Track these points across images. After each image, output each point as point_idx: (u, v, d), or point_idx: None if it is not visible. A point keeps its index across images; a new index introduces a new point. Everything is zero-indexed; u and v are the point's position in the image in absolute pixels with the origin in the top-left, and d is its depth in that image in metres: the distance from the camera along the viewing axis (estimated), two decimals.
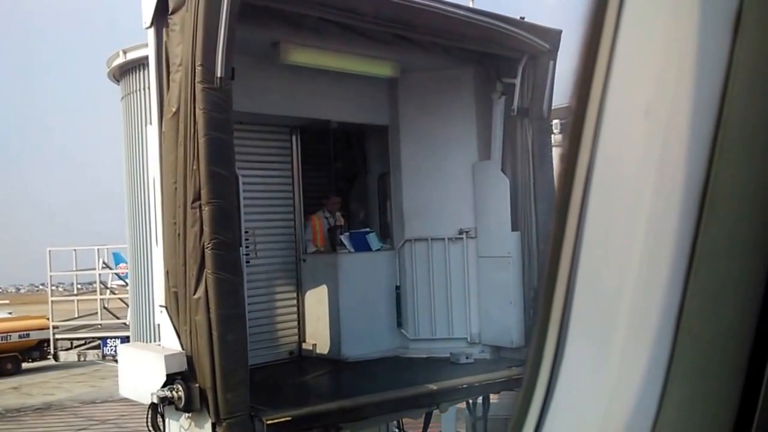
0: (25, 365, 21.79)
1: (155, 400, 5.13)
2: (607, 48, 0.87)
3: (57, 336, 12.76)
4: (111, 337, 11.81)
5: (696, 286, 0.79)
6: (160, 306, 5.68)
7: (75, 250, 14.34)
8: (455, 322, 8.74)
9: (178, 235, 5.34)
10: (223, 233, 5.14)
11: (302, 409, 5.52)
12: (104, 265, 14.16)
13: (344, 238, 8.82)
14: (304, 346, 8.57)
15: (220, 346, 5.03)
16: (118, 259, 18.81)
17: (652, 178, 0.83)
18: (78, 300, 14.57)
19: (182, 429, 5.36)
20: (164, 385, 5.20)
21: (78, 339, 12.68)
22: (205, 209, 5.09)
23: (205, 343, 5.05)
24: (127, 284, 15.38)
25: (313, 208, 9.19)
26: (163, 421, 5.58)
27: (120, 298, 14.81)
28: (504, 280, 8.27)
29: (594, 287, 0.91)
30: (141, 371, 5.51)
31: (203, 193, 5.11)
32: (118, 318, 13.82)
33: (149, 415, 5.48)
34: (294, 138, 8.98)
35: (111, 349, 11.81)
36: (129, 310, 9.43)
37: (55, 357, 12.45)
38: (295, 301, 8.80)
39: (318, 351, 8.50)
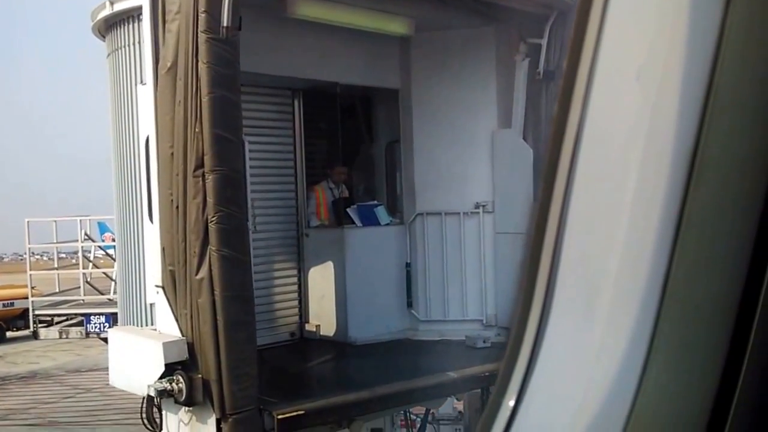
0: (9, 334, 21.64)
1: (152, 393, 4.67)
2: (599, 10, 0.88)
3: (36, 312, 12.25)
4: (95, 314, 11.31)
5: (683, 252, 0.80)
6: (156, 286, 5.19)
7: (55, 221, 13.73)
8: (470, 303, 8.33)
9: (177, 207, 4.84)
10: (229, 205, 4.63)
11: (316, 401, 5.09)
12: (86, 237, 13.57)
13: (351, 212, 8.35)
14: (306, 327, 8.13)
15: (226, 333, 4.57)
16: (103, 229, 18.14)
17: (641, 142, 0.83)
18: (59, 273, 14.05)
19: (182, 423, 4.92)
20: (162, 376, 4.74)
21: (59, 315, 12.18)
22: (209, 178, 4.58)
23: (209, 330, 4.58)
24: (110, 256, 14.86)
25: (316, 178, 8.69)
26: (160, 415, 5.12)
27: (104, 272, 14.28)
28: None
29: (580, 252, 0.91)
30: (136, 360, 5.03)
31: (207, 159, 4.59)
32: (102, 293, 13.32)
33: (144, 408, 5.02)
34: (296, 101, 8.43)
35: (95, 327, 11.32)
36: (116, 287, 8.93)
37: (35, 334, 11.95)
38: (296, 279, 8.35)
39: (322, 333, 8.08)
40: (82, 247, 13.12)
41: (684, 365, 0.81)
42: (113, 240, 13.08)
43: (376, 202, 8.74)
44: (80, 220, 13.26)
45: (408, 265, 8.48)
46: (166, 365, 4.72)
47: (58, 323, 12.12)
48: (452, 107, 8.28)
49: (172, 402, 4.81)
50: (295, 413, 4.84)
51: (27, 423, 12.91)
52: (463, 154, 8.28)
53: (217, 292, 4.57)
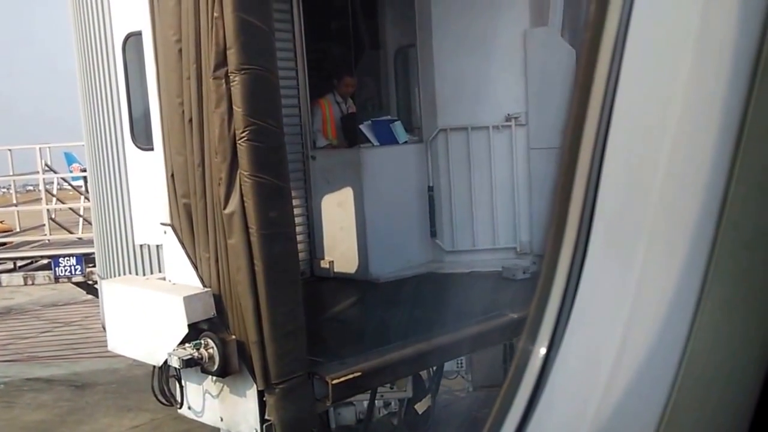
0: None
1: (175, 363, 3.67)
2: None
3: None
4: (64, 256, 10.17)
5: (743, 171, 0.71)
6: (162, 224, 4.13)
7: (10, 149, 12.25)
8: (501, 230, 7.48)
9: (190, 120, 3.73)
10: (264, 116, 3.55)
11: (370, 359, 4.17)
12: (47, 169, 12.17)
13: (365, 128, 7.29)
14: (321, 264, 7.18)
15: (267, 281, 3.57)
16: (70, 159, 16.58)
17: (693, 45, 0.74)
18: (19, 210, 12.69)
19: (209, 396, 3.96)
20: (184, 340, 3.74)
21: (23, 258, 11.01)
22: (235, 80, 3.47)
23: (245, 278, 3.57)
24: (77, 189, 13.52)
25: (319, 90, 7.58)
26: (180, 386, 4.15)
27: (71, 208, 12.97)
28: None
29: (622, 173, 0.80)
30: (146, 320, 4.00)
31: (231, 54, 3.46)
32: (70, 232, 12.07)
33: (156, 378, 4.05)
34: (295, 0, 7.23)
35: (65, 270, 10.19)
36: (93, 226, 7.81)
37: None
38: (303, 209, 7.33)
39: (337, 269, 7.17)
40: (44, 179, 11.77)
41: (743, 297, 0.73)
42: (82, 171, 11.78)
43: (389, 117, 7.70)
44: (39, 148, 11.85)
45: (430, 188, 7.53)
46: (190, 326, 3.72)
47: (21, 267, 10.94)
48: (477, 3, 7.18)
49: (195, 370, 3.84)
50: (351, 376, 3.94)
51: (5, 359, 12.42)
52: (490, 59, 7.22)
53: (252, 229, 3.54)
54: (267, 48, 3.58)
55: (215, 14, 3.43)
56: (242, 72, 3.45)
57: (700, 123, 0.73)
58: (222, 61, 3.47)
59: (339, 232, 7.12)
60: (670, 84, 0.75)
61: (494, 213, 7.45)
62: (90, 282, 10.60)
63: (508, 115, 7.30)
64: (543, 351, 0.86)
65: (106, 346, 10.08)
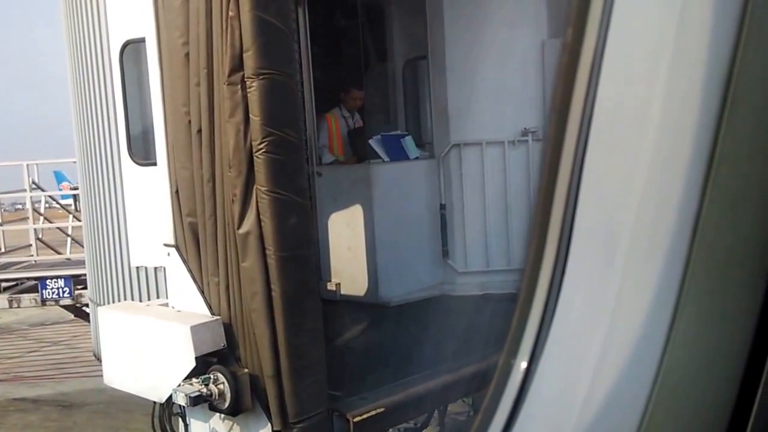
0: None
1: (182, 400, 3.34)
2: None
3: None
4: (51, 277, 9.79)
5: (715, 191, 0.75)
6: (166, 245, 3.81)
7: None
8: (515, 250, 7.19)
9: (198, 131, 3.43)
10: (283, 126, 3.25)
11: (394, 394, 3.85)
12: (35, 186, 11.82)
13: (375, 144, 7.03)
14: (327, 286, 6.87)
15: (285, 309, 3.25)
16: (60, 178, 16.23)
17: (666, 66, 0.77)
18: (4, 230, 12.32)
19: None
20: (191, 374, 3.40)
21: (8, 280, 10.63)
22: (253, 86, 3.17)
23: (261, 305, 3.25)
24: (65, 208, 13.18)
25: (324, 104, 7.34)
26: (185, 423, 3.81)
27: (59, 227, 12.60)
28: None
29: (599, 194, 0.84)
30: (147, 352, 3.67)
31: (248, 58, 3.17)
32: (58, 252, 11.70)
33: (156, 415, 3.71)
34: (301, 10, 7.00)
35: (52, 292, 9.82)
36: (84, 249, 7.49)
37: None
38: None
39: (344, 292, 6.87)
40: (31, 197, 11.42)
41: (718, 312, 0.77)
42: (72, 189, 11.44)
43: (399, 131, 7.44)
44: (26, 165, 11.51)
45: (442, 206, 7.25)
46: (198, 358, 3.39)
47: (6, 289, 10.56)
48: (492, 12, 6.95)
49: (203, 407, 3.51)
50: (374, 412, 3.61)
51: None
52: (506, 70, 6.99)
53: (270, 251, 3.22)
54: (287, 51, 3.30)
55: (231, 13, 3.14)
56: (260, 77, 3.16)
57: (674, 144, 0.75)
58: (238, 65, 3.18)
59: (346, 252, 6.83)
60: (645, 105, 0.77)
61: (509, 232, 7.18)
62: (79, 305, 10.23)
63: (525, 129, 7.05)
64: (524, 365, 0.89)
65: (94, 365, 9.82)
